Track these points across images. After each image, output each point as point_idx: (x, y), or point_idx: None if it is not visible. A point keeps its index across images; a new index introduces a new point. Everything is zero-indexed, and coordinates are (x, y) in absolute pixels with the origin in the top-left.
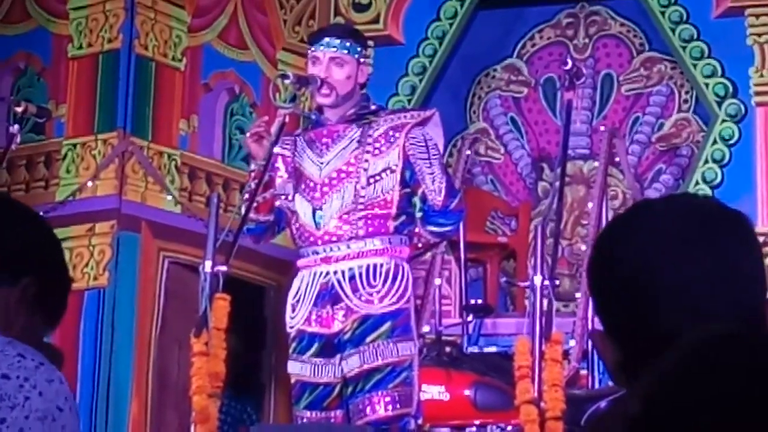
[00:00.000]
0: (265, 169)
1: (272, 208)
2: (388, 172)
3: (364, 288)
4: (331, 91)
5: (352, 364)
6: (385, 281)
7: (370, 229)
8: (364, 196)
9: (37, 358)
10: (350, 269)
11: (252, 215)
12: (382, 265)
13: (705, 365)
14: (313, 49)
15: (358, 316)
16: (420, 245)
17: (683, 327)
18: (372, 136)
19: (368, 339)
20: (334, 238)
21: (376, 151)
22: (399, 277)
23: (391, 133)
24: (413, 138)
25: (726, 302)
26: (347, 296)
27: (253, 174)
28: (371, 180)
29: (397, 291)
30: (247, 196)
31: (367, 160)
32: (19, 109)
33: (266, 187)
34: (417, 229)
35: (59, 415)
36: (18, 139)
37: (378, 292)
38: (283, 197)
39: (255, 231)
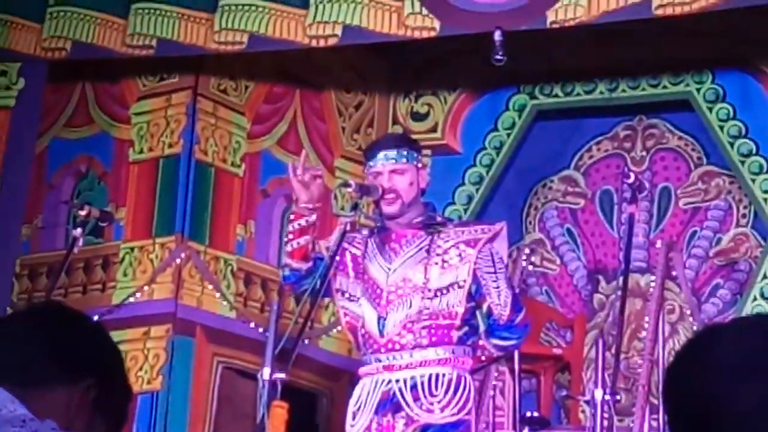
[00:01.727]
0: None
1: (306, 255)
2: (456, 286)
3: (425, 397)
4: (397, 199)
5: None
6: (447, 391)
7: (434, 339)
8: (429, 308)
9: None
10: (412, 378)
11: (286, 259)
12: (444, 375)
13: None
14: (371, 164)
15: (418, 425)
16: (483, 358)
17: None
18: (441, 248)
19: None
20: (398, 347)
21: (445, 264)
22: (461, 388)
23: (462, 247)
24: (480, 252)
25: None
26: (408, 405)
27: (293, 216)
28: (438, 293)
29: (458, 401)
30: (290, 236)
31: (436, 273)
32: (83, 213)
33: (302, 232)
34: (481, 342)
35: None
36: (80, 243)
37: (440, 402)
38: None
39: (290, 279)
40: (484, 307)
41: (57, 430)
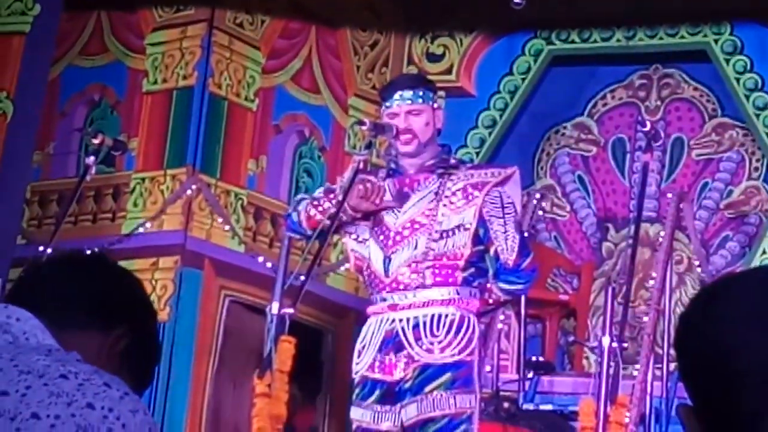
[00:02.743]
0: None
1: (316, 227)
2: (461, 228)
3: (426, 337)
4: (413, 139)
5: (410, 413)
6: (448, 332)
7: (438, 279)
8: (434, 249)
9: (122, 388)
10: (415, 317)
11: (302, 219)
12: (447, 316)
13: None
14: (387, 104)
15: (418, 364)
16: (491, 301)
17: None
18: (450, 189)
19: (427, 389)
20: (402, 286)
21: (452, 206)
22: (464, 329)
23: (470, 190)
24: (489, 196)
25: None
26: (410, 344)
27: (332, 196)
28: (444, 234)
29: (459, 342)
30: (319, 204)
31: (443, 214)
32: (96, 141)
33: (326, 214)
34: (489, 285)
35: None
36: (93, 171)
37: (440, 342)
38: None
39: (292, 230)
40: (492, 250)
41: (82, 361)
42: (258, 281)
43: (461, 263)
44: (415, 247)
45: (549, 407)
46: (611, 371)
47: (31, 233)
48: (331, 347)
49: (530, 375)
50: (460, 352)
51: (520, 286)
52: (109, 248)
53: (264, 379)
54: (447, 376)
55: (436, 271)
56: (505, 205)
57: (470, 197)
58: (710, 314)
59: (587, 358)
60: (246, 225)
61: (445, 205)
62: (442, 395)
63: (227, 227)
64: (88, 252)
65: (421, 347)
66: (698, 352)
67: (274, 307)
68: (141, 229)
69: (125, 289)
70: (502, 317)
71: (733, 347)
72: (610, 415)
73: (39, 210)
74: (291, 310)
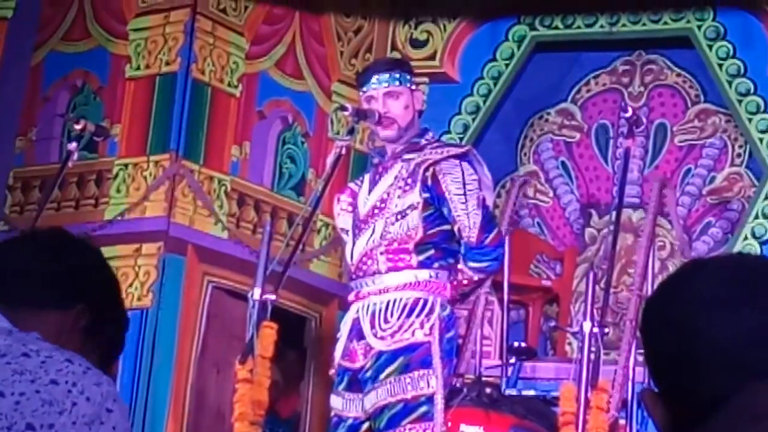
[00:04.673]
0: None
1: None
2: (411, 208)
3: (380, 324)
4: (393, 123)
5: (370, 400)
6: (400, 316)
7: (392, 264)
8: (391, 233)
9: (84, 363)
10: (374, 304)
11: None
12: (401, 300)
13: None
14: (364, 89)
15: (374, 352)
16: (465, 282)
17: (730, 391)
18: (408, 171)
19: (382, 376)
20: (361, 273)
21: (407, 187)
22: (417, 311)
23: (416, 169)
24: (450, 175)
25: None
26: (367, 333)
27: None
28: (398, 217)
29: (411, 325)
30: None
31: (399, 196)
32: (78, 127)
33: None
34: (460, 267)
35: (108, 417)
36: (75, 157)
37: (391, 327)
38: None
39: None
40: (455, 229)
41: (41, 339)
42: (241, 267)
43: (411, 246)
44: (373, 232)
45: (531, 393)
46: (592, 356)
47: (13, 219)
48: (315, 333)
49: (512, 361)
50: (413, 334)
51: (487, 263)
52: (92, 234)
53: (246, 365)
54: (400, 360)
55: (390, 256)
56: (467, 182)
57: (415, 176)
58: (675, 299)
59: (570, 343)
60: (229, 211)
61: (399, 187)
62: (395, 380)
63: (209, 214)
64: (48, 229)
65: (375, 335)
66: (662, 336)
67: (256, 293)
68: (124, 216)
69: (84, 266)
70: (484, 303)
71: (695, 332)
72: (590, 400)
73: (21, 196)
74: (273, 296)
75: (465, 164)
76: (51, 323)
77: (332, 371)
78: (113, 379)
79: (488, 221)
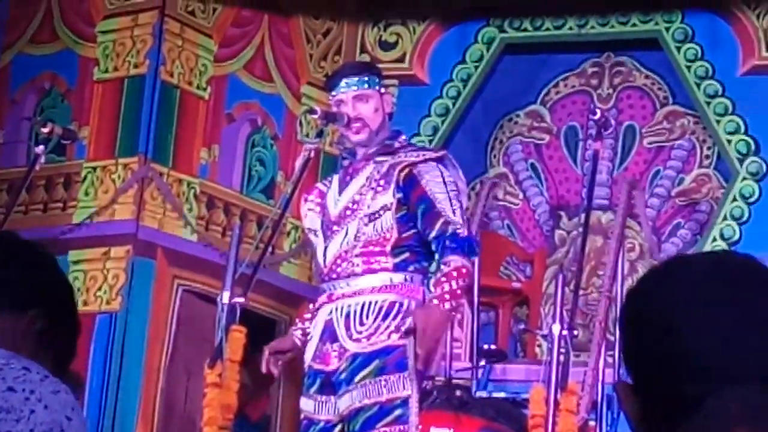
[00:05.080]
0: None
1: None
2: (384, 209)
3: (355, 327)
4: (364, 127)
5: (344, 403)
6: (375, 319)
7: (368, 267)
8: (364, 234)
9: (42, 371)
10: (348, 306)
11: None
12: (376, 303)
13: None
14: (334, 93)
15: (349, 354)
16: (465, 273)
17: (705, 392)
18: (380, 173)
19: (357, 378)
20: (334, 276)
21: (379, 188)
22: (393, 314)
23: (390, 171)
24: (430, 175)
25: (757, 363)
26: (341, 335)
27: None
28: (372, 217)
29: (388, 327)
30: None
31: (372, 198)
32: (45, 130)
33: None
34: (454, 264)
35: (68, 425)
36: (42, 160)
37: (367, 329)
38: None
39: None
40: (439, 223)
41: None
42: (211, 270)
43: (388, 248)
44: (346, 234)
45: (502, 394)
46: (561, 359)
47: None
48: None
49: (483, 363)
50: (388, 337)
51: (476, 257)
52: (61, 237)
53: (215, 369)
54: (375, 363)
55: (365, 258)
56: (447, 183)
57: (389, 177)
58: (655, 295)
59: (540, 345)
60: (198, 214)
61: (372, 188)
62: (371, 383)
63: (178, 216)
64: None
65: (350, 338)
66: (640, 331)
67: (225, 296)
68: (92, 219)
69: (37, 271)
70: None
71: (674, 331)
72: (560, 403)
73: None
74: (242, 300)
75: (442, 167)
76: (4, 329)
77: (275, 370)
78: (78, 386)
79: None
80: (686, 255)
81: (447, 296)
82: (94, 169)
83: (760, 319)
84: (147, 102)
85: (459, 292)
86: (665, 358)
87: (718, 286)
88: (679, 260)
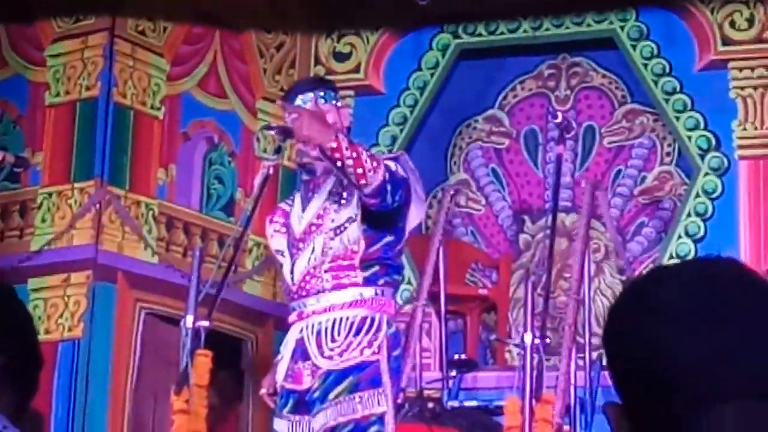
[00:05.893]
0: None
1: None
2: (350, 221)
3: (326, 344)
4: None
5: (319, 421)
6: (347, 335)
7: (336, 282)
8: (331, 248)
9: (2, 421)
10: (319, 323)
11: None
12: (347, 319)
13: None
14: (289, 110)
15: (322, 371)
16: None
17: (698, 411)
18: (342, 185)
19: (331, 396)
20: (304, 293)
21: (343, 201)
22: (365, 329)
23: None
24: None
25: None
26: (313, 353)
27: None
28: (337, 231)
29: (360, 343)
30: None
31: (335, 210)
32: None
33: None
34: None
35: None
36: None
37: (339, 346)
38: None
39: None
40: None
41: None
42: (174, 292)
43: (356, 262)
44: (313, 250)
45: (474, 403)
46: (535, 367)
47: None
48: (252, 355)
49: (453, 373)
50: (361, 353)
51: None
52: (19, 266)
53: (181, 395)
54: (349, 380)
55: (334, 273)
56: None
57: (352, 189)
58: (639, 313)
59: (510, 351)
60: (158, 235)
61: (335, 202)
62: (345, 400)
63: (138, 239)
64: None
65: (322, 355)
66: (627, 351)
67: (189, 320)
68: (51, 245)
69: None
70: (422, 315)
71: (664, 350)
72: (535, 413)
73: None
74: (206, 323)
75: (396, 164)
76: None
77: (263, 391)
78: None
79: (394, 182)
80: (667, 266)
81: (348, 147)
82: (50, 194)
83: (751, 333)
84: (101, 124)
85: (358, 157)
86: (654, 378)
87: (704, 299)
88: (659, 272)
